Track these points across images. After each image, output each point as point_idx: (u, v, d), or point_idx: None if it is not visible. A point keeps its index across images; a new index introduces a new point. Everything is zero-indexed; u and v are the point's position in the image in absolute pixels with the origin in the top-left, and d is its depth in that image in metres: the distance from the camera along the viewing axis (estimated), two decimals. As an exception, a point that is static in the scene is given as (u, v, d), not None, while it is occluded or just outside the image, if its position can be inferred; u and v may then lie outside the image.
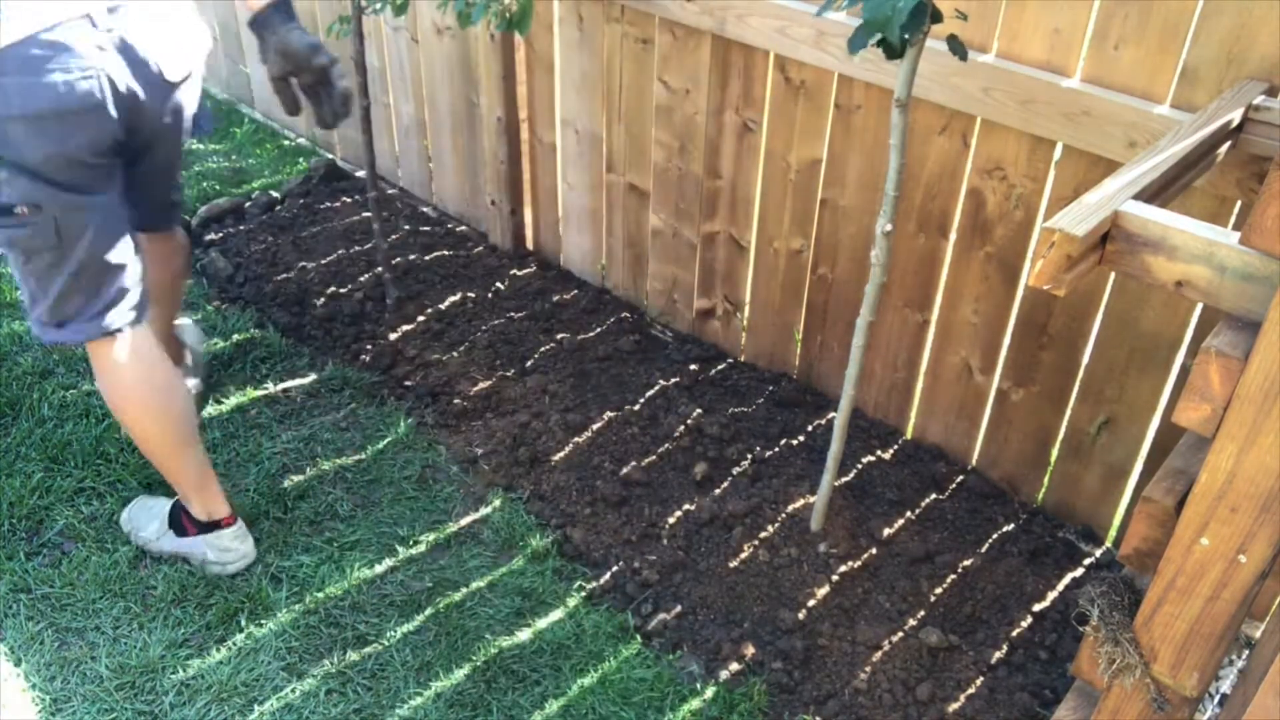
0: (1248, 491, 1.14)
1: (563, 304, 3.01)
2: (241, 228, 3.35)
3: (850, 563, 2.15)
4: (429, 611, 2.06)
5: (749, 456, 2.42)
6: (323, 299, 2.98)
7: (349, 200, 3.53)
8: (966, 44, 1.81)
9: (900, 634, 2.01)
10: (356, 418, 2.56)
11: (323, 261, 3.17)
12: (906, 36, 1.55)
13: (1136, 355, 2.00)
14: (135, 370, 1.93)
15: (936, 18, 1.58)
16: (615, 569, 2.16)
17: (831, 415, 2.55)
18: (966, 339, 2.25)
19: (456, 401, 2.60)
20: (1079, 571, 2.15)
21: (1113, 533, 2.22)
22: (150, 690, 1.89)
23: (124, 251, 1.86)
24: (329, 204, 3.51)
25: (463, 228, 3.41)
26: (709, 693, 1.91)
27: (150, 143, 1.92)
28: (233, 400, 2.58)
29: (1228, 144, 1.58)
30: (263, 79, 4.01)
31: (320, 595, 2.08)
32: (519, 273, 3.15)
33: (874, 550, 2.18)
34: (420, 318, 2.91)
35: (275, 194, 3.52)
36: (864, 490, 2.33)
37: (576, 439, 2.47)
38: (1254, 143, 1.61)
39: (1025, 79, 1.90)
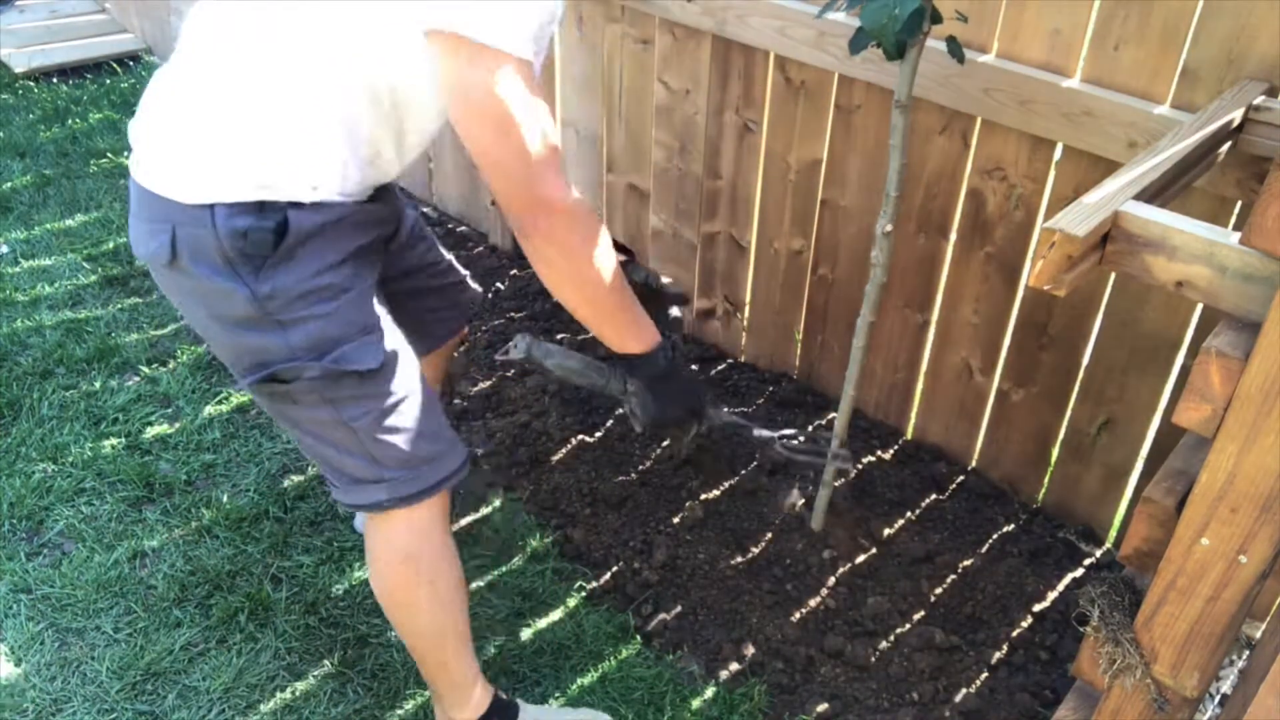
0: (1248, 492, 1.14)
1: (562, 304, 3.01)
2: (241, 228, 3.34)
3: (850, 563, 2.15)
4: (429, 612, 2.06)
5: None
6: (323, 299, 2.98)
7: (349, 200, 3.53)
8: (966, 44, 1.81)
9: (900, 634, 2.01)
10: (356, 418, 2.56)
11: (323, 262, 3.17)
12: (904, 40, 1.55)
13: (1136, 355, 2.00)
14: None
15: (936, 19, 1.58)
16: (615, 569, 2.16)
17: (831, 415, 2.55)
18: (967, 339, 2.25)
19: (456, 401, 2.60)
20: (1079, 572, 2.15)
21: (1113, 533, 2.22)
22: (150, 690, 1.89)
23: None
24: (329, 204, 3.51)
25: (463, 228, 3.41)
26: (709, 693, 1.91)
27: None
28: (233, 400, 2.58)
29: (1228, 144, 1.58)
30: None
31: (320, 595, 2.08)
32: (519, 273, 3.15)
33: (874, 550, 2.18)
34: (420, 318, 2.91)
35: (275, 194, 3.52)
36: (864, 490, 2.33)
37: (576, 439, 2.47)
38: (1254, 143, 1.61)
39: (1025, 79, 1.90)
